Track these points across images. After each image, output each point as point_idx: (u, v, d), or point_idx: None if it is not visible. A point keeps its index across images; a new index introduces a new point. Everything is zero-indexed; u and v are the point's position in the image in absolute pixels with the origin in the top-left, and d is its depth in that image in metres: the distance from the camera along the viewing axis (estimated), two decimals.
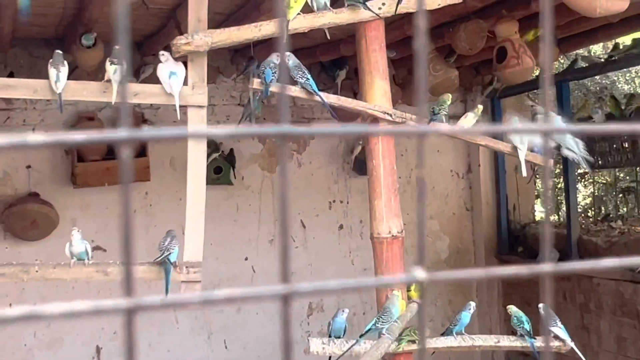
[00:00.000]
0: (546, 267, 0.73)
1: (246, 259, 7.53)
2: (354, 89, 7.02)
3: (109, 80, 3.67)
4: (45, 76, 4.18)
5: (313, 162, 7.80)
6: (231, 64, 7.55)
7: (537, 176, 8.35)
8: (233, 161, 7.45)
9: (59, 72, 3.60)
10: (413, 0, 4.10)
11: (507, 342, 4.17)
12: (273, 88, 3.78)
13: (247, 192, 7.58)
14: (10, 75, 6.43)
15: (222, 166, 7.35)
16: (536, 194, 8.43)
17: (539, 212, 8.36)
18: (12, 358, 6.84)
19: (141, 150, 6.96)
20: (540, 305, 4.45)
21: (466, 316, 4.10)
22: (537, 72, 6.34)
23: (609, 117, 6.90)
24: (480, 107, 4.57)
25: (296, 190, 7.68)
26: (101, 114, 7.02)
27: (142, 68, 6.68)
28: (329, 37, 4.18)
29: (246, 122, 6.95)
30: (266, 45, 6.04)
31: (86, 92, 3.68)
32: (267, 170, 7.66)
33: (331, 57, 6.82)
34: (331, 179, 7.85)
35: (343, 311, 4.10)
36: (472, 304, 4.22)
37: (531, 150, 4.37)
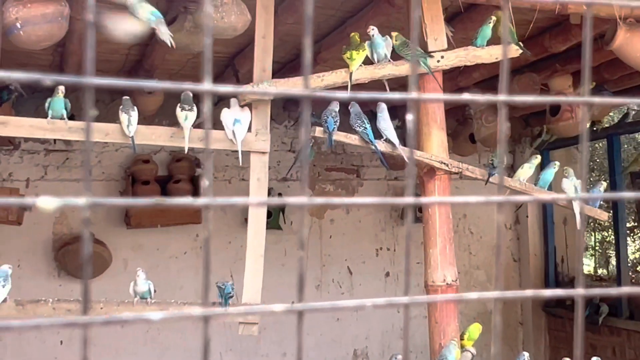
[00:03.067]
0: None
1: (292, 303, 7.56)
2: (404, 137, 7.11)
3: (179, 126, 3.83)
4: (107, 119, 4.36)
5: (361, 209, 7.88)
6: (283, 111, 7.71)
7: (586, 230, 8.30)
8: (282, 206, 7.56)
9: (130, 117, 3.76)
10: (471, 54, 4.19)
11: None
12: (336, 136, 3.89)
13: (296, 237, 7.66)
14: (72, 118, 6.65)
15: (271, 211, 7.46)
16: (585, 246, 8.37)
17: (587, 266, 8.30)
18: None
19: (194, 193, 7.12)
20: (594, 359, 4.43)
21: None
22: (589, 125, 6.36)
23: None
24: (538, 157, 4.62)
25: (344, 237, 7.75)
26: (156, 157, 7.21)
27: (197, 114, 6.86)
28: (387, 89, 4.28)
29: (298, 167, 7.08)
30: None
31: (155, 136, 3.83)
32: (316, 216, 7.75)
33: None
34: (379, 226, 7.91)
35: (396, 357, 4.12)
36: (526, 354, 4.21)
37: (586, 202, 4.39)
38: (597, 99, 0.96)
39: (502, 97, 0.83)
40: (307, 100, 0.80)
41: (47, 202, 0.66)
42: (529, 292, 0.94)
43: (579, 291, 0.87)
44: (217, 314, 0.69)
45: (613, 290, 0.98)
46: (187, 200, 0.72)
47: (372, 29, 4.07)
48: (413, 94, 0.79)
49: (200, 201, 0.73)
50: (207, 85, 0.75)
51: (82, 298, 0.69)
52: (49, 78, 0.68)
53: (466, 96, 0.93)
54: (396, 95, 0.89)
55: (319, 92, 0.76)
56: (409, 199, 0.82)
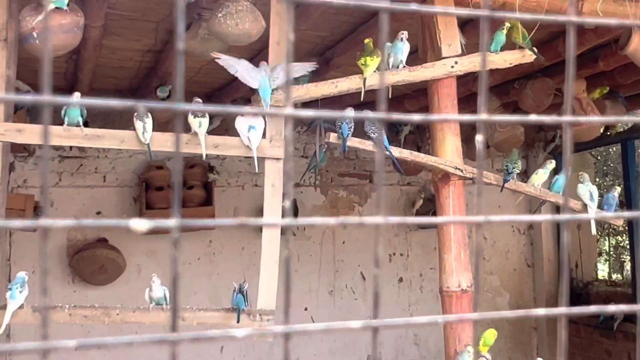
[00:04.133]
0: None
1: (306, 309, 7.58)
2: (418, 143, 7.12)
3: (194, 133, 3.85)
4: (119, 126, 4.37)
5: (374, 214, 7.87)
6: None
7: (600, 235, 8.27)
8: (296, 212, 7.57)
9: (145, 124, 3.78)
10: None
11: None
12: (350, 142, 3.89)
13: (309, 242, 7.67)
14: (86, 124, 6.69)
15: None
16: (599, 251, 8.34)
17: (602, 271, 8.26)
18: None
19: (207, 199, 7.14)
20: None
21: None
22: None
23: None
24: (553, 162, 4.61)
25: (357, 242, 7.74)
26: (169, 163, 7.23)
27: (210, 120, 6.87)
28: (390, 95, 4.30)
29: (311, 173, 7.09)
30: (332, 100, 6.18)
31: (170, 143, 3.84)
32: None
33: (395, 112, 6.94)
34: (392, 232, 7.90)
35: None
36: None
37: (601, 208, 4.38)
38: None
39: (567, 118, 0.84)
40: (382, 123, 0.82)
41: (139, 224, 0.69)
42: (593, 308, 0.93)
43: None
44: (296, 330, 0.70)
45: None
46: (271, 220, 0.74)
47: (403, 33, 4.05)
48: (483, 115, 0.80)
49: (284, 221, 0.76)
50: (288, 110, 0.76)
51: (171, 316, 0.71)
52: (142, 105, 0.70)
53: (533, 117, 0.92)
54: (465, 117, 0.90)
55: (395, 115, 0.77)
56: (479, 217, 0.82)
